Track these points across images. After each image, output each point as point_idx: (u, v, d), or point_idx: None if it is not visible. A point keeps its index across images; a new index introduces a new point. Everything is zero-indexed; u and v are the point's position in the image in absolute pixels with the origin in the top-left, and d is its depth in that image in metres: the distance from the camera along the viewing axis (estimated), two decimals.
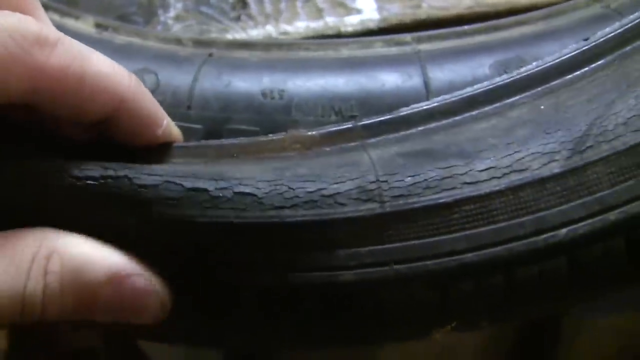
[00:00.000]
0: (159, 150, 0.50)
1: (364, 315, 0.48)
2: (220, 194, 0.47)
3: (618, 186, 0.47)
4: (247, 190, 0.47)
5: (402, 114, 0.51)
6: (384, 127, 0.51)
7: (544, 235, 0.46)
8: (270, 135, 0.52)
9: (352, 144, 0.51)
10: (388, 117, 0.51)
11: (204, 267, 0.47)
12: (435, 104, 0.51)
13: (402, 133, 0.51)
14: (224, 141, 0.52)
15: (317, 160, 0.50)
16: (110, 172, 0.46)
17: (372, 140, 0.51)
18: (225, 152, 0.51)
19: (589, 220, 0.47)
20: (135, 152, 0.49)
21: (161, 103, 0.57)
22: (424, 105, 0.52)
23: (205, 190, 0.47)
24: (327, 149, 0.51)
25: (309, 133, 0.51)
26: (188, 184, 0.47)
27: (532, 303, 0.49)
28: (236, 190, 0.47)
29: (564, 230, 0.46)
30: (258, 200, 0.47)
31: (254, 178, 0.48)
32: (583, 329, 1.12)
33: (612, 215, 0.47)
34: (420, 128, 0.51)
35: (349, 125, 0.51)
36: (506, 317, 0.51)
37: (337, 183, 0.47)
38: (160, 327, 0.48)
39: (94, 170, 0.46)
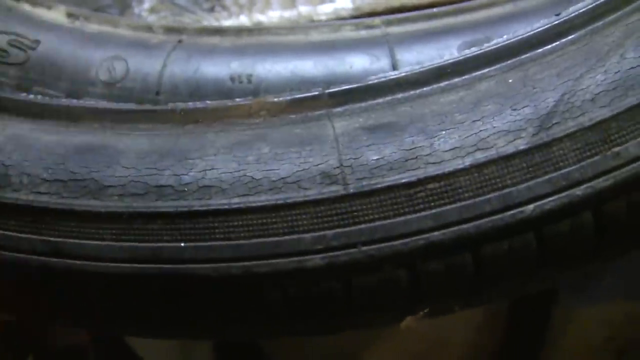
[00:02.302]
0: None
1: (334, 300, 0.48)
2: (186, 189, 0.46)
3: (584, 162, 0.46)
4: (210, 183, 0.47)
5: (369, 82, 0.51)
6: (350, 96, 0.51)
7: (511, 212, 0.46)
8: (238, 99, 0.51)
9: (318, 112, 0.50)
10: (355, 86, 0.51)
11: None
12: (404, 74, 0.51)
13: (369, 102, 0.51)
14: (191, 105, 0.51)
15: (282, 133, 0.49)
16: None
17: (338, 109, 0.50)
18: (191, 118, 0.50)
19: (556, 196, 0.46)
20: None
21: (131, 90, 0.57)
22: (392, 75, 0.51)
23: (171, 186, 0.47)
24: (293, 116, 0.50)
25: (276, 99, 0.51)
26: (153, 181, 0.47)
27: (502, 281, 0.49)
28: (200, 184, 0.46)
29: (531, 206, 0.46)
30: (222, 192, 0.47)
31: (212, 169, 0.47)
32: (571, 320, 1.12)
33: (579, 191, 0.46)
34: (387, 98, 0.50)
35: (315, 92, 0.51)
36: (477, 297, 0.51)
37: (300, 170, 0.47)
38: None
39: None
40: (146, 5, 0.73)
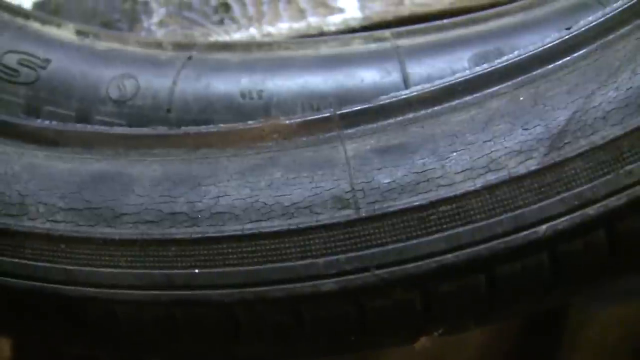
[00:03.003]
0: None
1: (348, 323, 0.48)
2: (199, 215, 0.47)
3: (596, 181, 0.46)
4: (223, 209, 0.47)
5: (380, 103, 0.51)
6: (361, 117, 0.51)
7: (524, 233, 0.46)
8: (250, 122, 0.52)
9: (329, 134, 0.50)
10: (366, 106, 0.51)
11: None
12: (415, 93, 0.51)
13: (380, 123, 0.51)
14: (204, 129, 0.52)
15: (293, 156, 0.49)
16: None
17: (350, 130, 0.51)
18: (203, 142, 0.51)
19: (568, 216, 0.46)
20: None
21: (141, 107, 0.57)
22: (403, 94, 0.51)
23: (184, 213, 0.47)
24: (304, 138, 0.50)
25: (287, 122, 0.51)
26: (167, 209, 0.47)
27: (516, 300, 0.49)
28: (213, 211, 0.47)
29: (543, 227, 0.46)
30: (235, 218, 0.47)
31: (230, 196, 0.47)
32: (587, 320, 1.11)
33: (592, 210, 0.46)
34: (398, 118, 0.50)
35: (326, 114, 0.51)
36: (492, 316, 0.51)
37: (312, 195, 0.47)
38: None
39: None
40: (155, 19, 0.73)
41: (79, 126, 0.56)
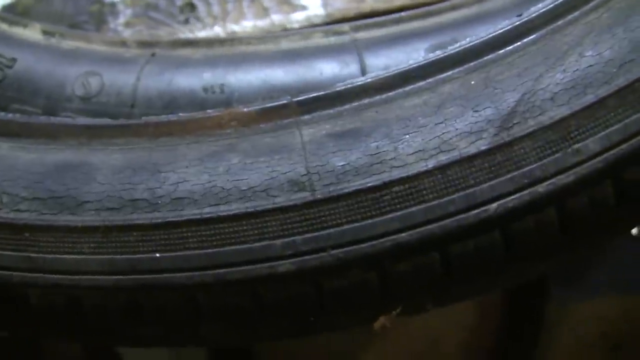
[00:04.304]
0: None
1: (307, 304, 0.49)
2: (159, 201, 0.48)
3: (545, 159, 0.48)
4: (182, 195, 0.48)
5: (336, 89, 0.52)
6: (318, 103, 0.52)
7: (475, 211, 0.47)
8: (209, 110, 0.53)
9: (287, 120, 0.52)
10: (322, 93, 0.53)
11: None
12: (370, 80, 0.52)
13: (336, 109, 0.52)
14: (164, 118, 0.53)
15: (251, 142, 0.50)
16: None
17: (306, 116, 0.52)
18: (164, 131, 0.52)
19: (519, 194, 0.47)
20: None
21: (106, 104, 0.58)
22: (359, 81, 0.52)
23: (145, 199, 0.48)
24: (263, 125, 0.51)
25: (246, 109, 0.52)
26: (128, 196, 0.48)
27: (471, 279, 0.50)
28: (172, 196, 0.48)
29: (494, 205, 0.47)
30: (194, 202, 0.48)
31: (189, 182, 0.48)
32: (564, 316, 1.12)
33: (541, 188, 0.47)
34: (353, 104, 0.52)
35: (284, 101, 0.53)
36: (448, 296, 0.52)
37: (269, 179, 0.48)
38: None
39: None
40: (121, 20, 0.74)
41: (43, 118, 0.57)
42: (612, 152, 0.48)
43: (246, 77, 0.60)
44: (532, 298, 1.13)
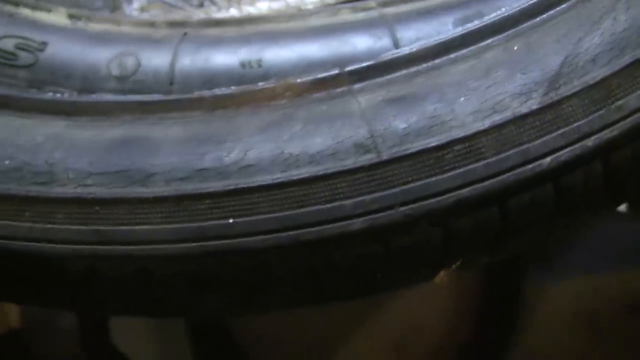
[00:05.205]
0: None
1: (375, 262, 0.52)
2: (228, 169, 0.50)
3: (591, 116, 0.51)
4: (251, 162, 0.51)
5: (384, 59, 0.55)
6: (369, 72, 0.55)
7: (530, 165, 0.50)
8: (261, 83, 0.55)
9: (340, 89, 0.54)
10: (372, 62, 0.55)
11: None
12: (415, 49, 0.55)
13: (386, 77, 0.55)
14: (217, 91, 0.55)
15: (309, 111, 0.53)
16: None
17: (359, 85, 0.54)
18: (218, 104, 0.54)
19: (569, 148, 0.51)
20: None
21: (144, 83, 0.59)
22: (405, 51, 0.55)
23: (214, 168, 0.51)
24: (317, 95, 0.54)
25: (299, 80, 0.54)
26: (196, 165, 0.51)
27: (525, 231, 0.53)
28: (241, 164, 0.50)
29: (547, 159, 0.50)
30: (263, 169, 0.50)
31: (251, 149, 0.51)
32: (542, 296, 1.16)
33: (589, 142, 0.51)
34: (402, 72, 0.54)
35: (336, 71, 0.55)
36: (503, 248, 0.55)
37: (335, 144, 0.50)
38: None
39: None
40: (136, 5, 0.75)
41: (94, 96, 0.58)
42: None
43: (282, 52, 0.61)
44: (510, 280, 1.17)
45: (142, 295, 0.54)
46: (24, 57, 0.62)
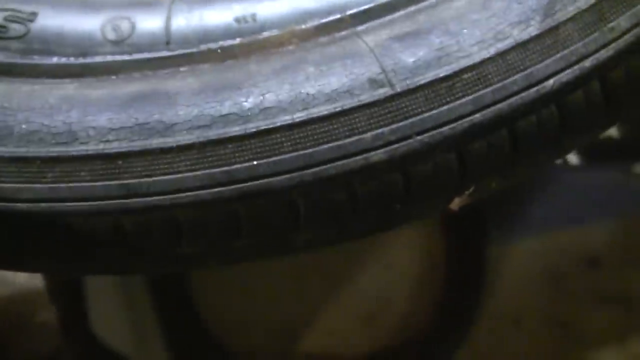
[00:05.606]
0: None
1: (396, 191, 0.54)
2: (249, 113, 0.51)
3: (587, 38, 0.54)
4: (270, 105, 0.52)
5: (382, 1, 0.57)
6: (370, 14, 0.57)
7: (535, 88, 0.53)
8: (265, 33, 0.56)
9: (345, 32, 0.56)
10: (371, 5, 0.58)
11: None
12: None
13: (387, 17, 0.57)
14: (223, 43, 0.57)
15: (319, 53, 0.55)
16: None
17: (362, 27, 0.56)
18: (227, 55, 0.55)
19: (569, 70, 0.54)
20: None
21: (140, 44, 0.60)
22: None
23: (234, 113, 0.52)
24: (323, 39, 0.56)
25: (304, 27, 0.56)
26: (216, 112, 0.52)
27: (535, 153, 0.56)
28: (261, 107, 0.52)
29: (550, 81, 0.53)
30: (283, 110, 0.52)
31: (269, 92, 0.53)
32: (506, 254, 1.19)
33: (587, 62, 0.54)
34: (401, 12, 0.57)
35: (337, 15, 0.57)
36: (513, 172, 0.58)
37: (350, 81, 0.53)
38: None
39: None
40: None
41: (99, 57, 0.59)
42: (639, 28, 0.55)
43: (275, 5, 0.63)
44: (474, 243, 1.20)
45: (171, 247, 0.55)
46: (15, 29, 0.63)
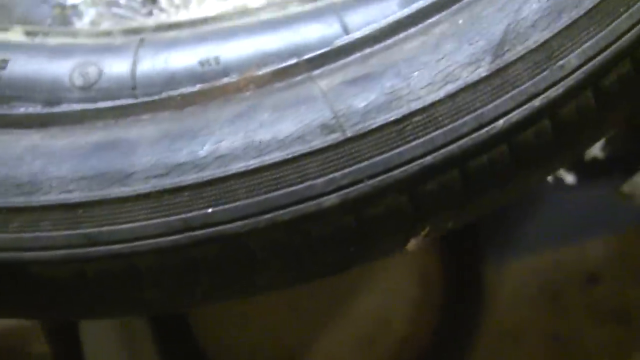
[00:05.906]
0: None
1: (349, 234, 0.55)
2: (204, 161, 0.53)
3: (536, 77, 0.55)
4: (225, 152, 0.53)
5: (338, 45, 0.58)
6: (325, 58, 0.58)
7: (486, 129, 0.54)
8: (225, 78, 0.58)
9: (300, 77, 0.57)
10: (327, 49, 0.59)
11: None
12: (366, 32, 0.59)
13: (342, 62, 0.58)
14: (183, 91, 0.58)
15: (273, 99, 0.56)
16: None
17: (317, 71, 0.57)
18: (186, 102, 0.57)
19: (519, 109, 0.55)
20: None
21: (107, 90, 0.62)
22: (356, 35, 0.59)
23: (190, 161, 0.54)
24: (279, 84, 0.57)
25: (260, 72, 0.57)
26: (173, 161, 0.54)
27: (486, 191, 0.57)
28: (215, 155, 0.53)
29: (500, 122, 0.54)
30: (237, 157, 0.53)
31: (223, 140, 0.54)
32: (504, 275, 1.20)
33: (537, 102, 0.55)
34: (357, 55, 0.58)
35: (293, 60, 0.58)
36: (467, 211, 0.59)
37: (302, 127, 0.54)
38: None
39: None
40: (86, 19, 0.77)
41: (64, 106, 0.60)
42: (589, 64, 0.56)
43: (238, 48, 0.64)
44: (470, 263, 1.20)
45: (132, 293, 0.56)
46: None
